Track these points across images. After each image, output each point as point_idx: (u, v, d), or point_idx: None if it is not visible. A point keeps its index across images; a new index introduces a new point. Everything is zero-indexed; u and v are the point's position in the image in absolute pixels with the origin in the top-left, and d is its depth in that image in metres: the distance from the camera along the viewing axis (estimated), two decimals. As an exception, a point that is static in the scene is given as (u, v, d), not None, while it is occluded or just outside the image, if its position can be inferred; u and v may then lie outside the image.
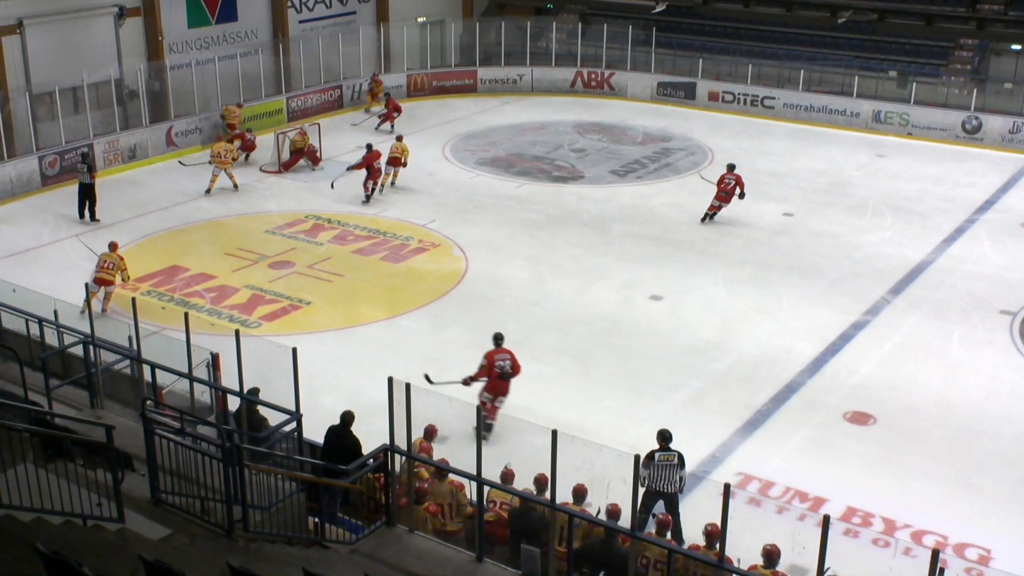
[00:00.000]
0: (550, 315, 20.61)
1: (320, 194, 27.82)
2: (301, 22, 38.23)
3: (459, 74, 39.58)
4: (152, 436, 10.39)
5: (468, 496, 12.23)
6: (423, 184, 28.75)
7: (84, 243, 22.59)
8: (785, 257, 23.56)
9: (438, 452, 13.15)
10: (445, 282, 22.20)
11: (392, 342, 19.47)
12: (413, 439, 11.63)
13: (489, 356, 16.05)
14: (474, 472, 10.87)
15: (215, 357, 13.91)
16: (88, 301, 16.93)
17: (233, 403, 13.64)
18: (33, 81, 29.33)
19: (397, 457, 11.44)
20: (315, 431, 13.11)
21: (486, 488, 11.15)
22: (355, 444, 13.19)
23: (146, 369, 13.60)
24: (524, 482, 11.79)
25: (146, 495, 10.56)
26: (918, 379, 18.18)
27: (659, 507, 13.19)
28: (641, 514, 12.11)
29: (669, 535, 11.79)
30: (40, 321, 14.68)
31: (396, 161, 28.15)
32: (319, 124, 31.55)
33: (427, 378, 15.20)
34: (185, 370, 13.49)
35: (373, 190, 27.12)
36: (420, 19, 40.23)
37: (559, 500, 10.62)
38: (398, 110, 33.96)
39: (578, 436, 11.25)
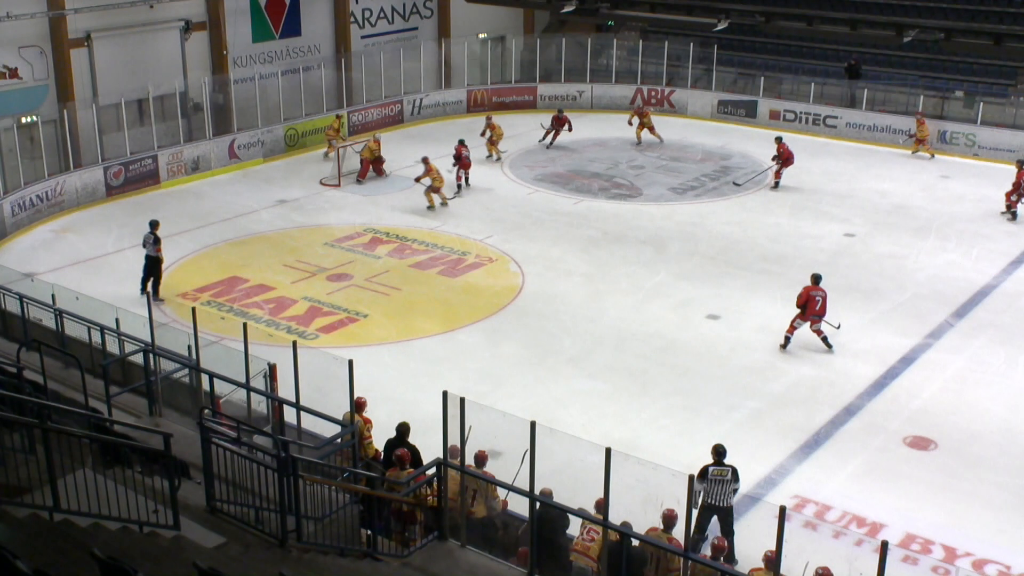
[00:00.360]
0: (606, 332, 20.51)
1: (379, 207, 28.00)
2: (363, 37, 38.59)
3: (519, 90, 39.68)
4: (209, 445, 10.48)
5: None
6: (481, 199, 28.82)
7: None
8: (846, 278, 23.24)
9: (490, 467, 13.14)
10: (501, 297, 22.20)
11: (447, 356, 19.49)
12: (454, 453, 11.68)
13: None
14: (527, 488, 10.83)
15: (272, 368, 14.02)
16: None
17: (289, 413, 13.73)
18: (100, 93, 29.90)
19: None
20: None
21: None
22: (414, 453, 13.28)
23: (204, 378, 13.75)
24: (575, 499, 11.67)
25: (201, 503, 10.64)
26: (981, 404, 17.83)
27: (714, 525, 13.06)
28: (695, 534, 11.99)
29: (722, 558, 11.66)
30: (102, 329, 14.89)
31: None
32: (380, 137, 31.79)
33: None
34: (242, 380, 13.62)
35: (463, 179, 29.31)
36: (481, 35, 40.40)
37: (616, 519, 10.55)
38: (565, 124, 34.17)
39: (632, 455, 11.17)
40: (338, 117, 33.13)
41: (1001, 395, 18.17)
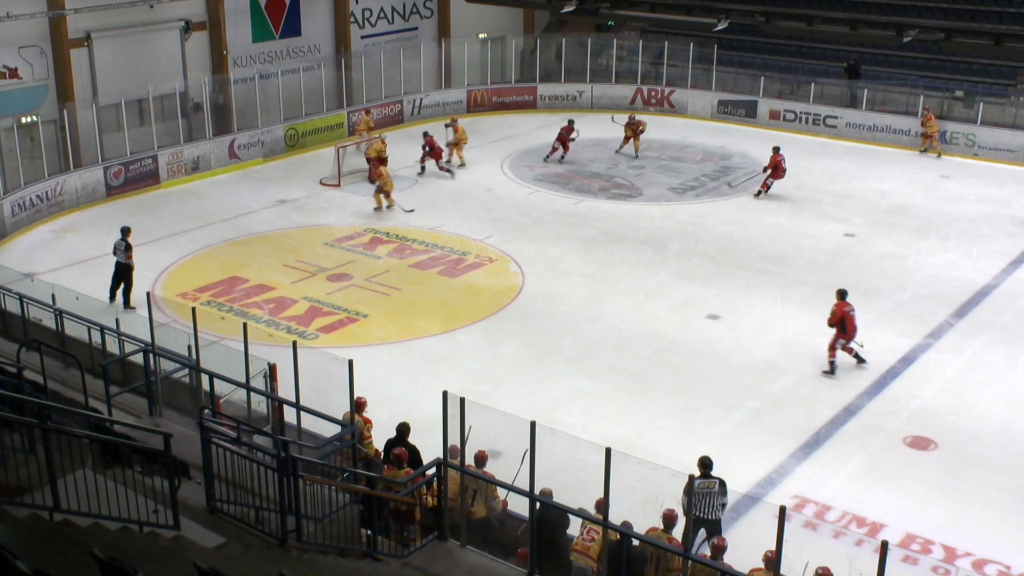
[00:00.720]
0: (606, 332, 20.51)
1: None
2: (363, 37, 38.60)
3: (519, 90, 39.68)
4: (209, 445, 10.48)
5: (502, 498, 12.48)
6: (481, 199, 28.83)
7: None
8: (846, 278, 23.17)
9: (490, 467, 13.14)
10: (501, 297, 22.20)
11: (448, 356, 19.49)
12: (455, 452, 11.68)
13: None
14: (527, 488, 10.83)
15: (272, 368, 14.03)
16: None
17: (289, 413, 13.74)
18: (100, 93, 29.90)
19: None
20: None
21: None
22: (414, 453, 13.28)
23: (204, 378, 13.75)
24: (575, 499, 11.66)
25: (201, 503, 10.64)
26: (981, 405, 17.82)
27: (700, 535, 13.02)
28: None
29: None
30: (102, 329, 14.90)
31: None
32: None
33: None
34: (242, 380, 13.63)
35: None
36: (481, 35, 40.40)
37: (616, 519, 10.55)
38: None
39: (632, 455, 11.16)
40: (367, 112, 33.25)
41: (1001, 395, 18.16)
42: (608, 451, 9.99)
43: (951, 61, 36.23)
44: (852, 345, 18.90)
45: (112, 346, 14.91)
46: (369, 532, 11.27)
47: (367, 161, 30.39)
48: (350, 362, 12.28)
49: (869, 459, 16.20)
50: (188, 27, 32.70)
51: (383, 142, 30.87)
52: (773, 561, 10.38)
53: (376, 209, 27.48)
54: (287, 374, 13.32)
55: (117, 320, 14.78)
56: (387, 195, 27.61)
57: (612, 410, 17.47)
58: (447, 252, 24.73)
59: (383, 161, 30.63)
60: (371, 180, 30.10)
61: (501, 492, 12.68)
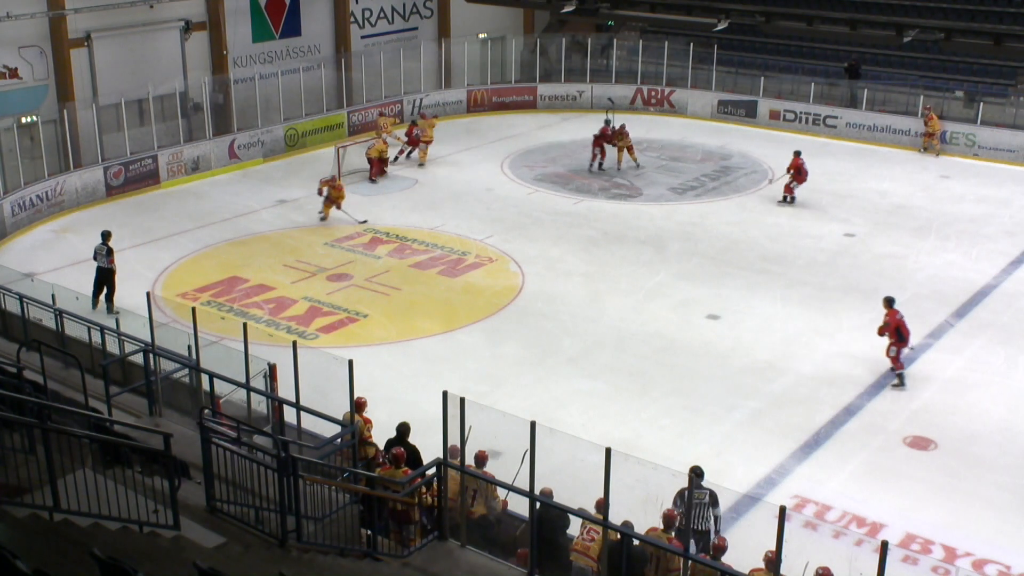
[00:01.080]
0: (606, 332, 20.51)
1: (379, 207, 28.00)
2: (363, 37, 38.60)
3: (519, 90, 39.68)
4: (209, 445, 10.47)
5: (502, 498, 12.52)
6: (481, 199, 28.83)
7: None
8: (846, 278, 23.25)
9: (490, 467, 13.14)
10: (501, 297, 22.20)
11: (448, 356, 19.49)
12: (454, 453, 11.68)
13: None
14: (527, 488, 10.83)
15: (272, 368, 14.03)
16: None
17: (289, 413, 13.74)
18: (100, 93, 29.90)
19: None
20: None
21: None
22: (414, 453, 13.29)
23: (204, 378, 13.75)
24: (575, 499, 11.67)
25: (201, 503, 10.63)
26: (981, 405, 17.82)
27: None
28: None
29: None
30: (102, 329, 14.91)
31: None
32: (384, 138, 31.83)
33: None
34: (242, 380, 13.63)
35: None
36: (481, 35, 40.39)
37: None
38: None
39: (632, 454, 11.16)
40: (382, 114, 33.52)
41: (1001, 395, 18.17)
42: (608, 451, 9.99)
43: (951, 61, 36.23)
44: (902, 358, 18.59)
45: (112, 346, 14.91)
46: (369, 532, 11.27)
47: (368, 161, 30.41)
48: (350, 362, 12.27)
49: (869, 459, 16.20)
50: (188, 27, 32.70)
51: (385, 143, 30.94)
52: (773, 561, 10.39)
53: (322, 218, 26.76)
54: (287, 374, 13.32)
55: (117, 320, 14.82)
56: (338, 206, 26.74)
57: (612, 410, 17.47)
58: (447, 252, 24.73)
59: (384, 162, 30.73)
60: (371, 179, 30.14)
61: (501, 492, 12.68)
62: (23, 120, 27.70)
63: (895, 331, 18.51)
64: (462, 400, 11.02)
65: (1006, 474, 15.74)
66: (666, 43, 38.55)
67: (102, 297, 20.79)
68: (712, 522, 12.97)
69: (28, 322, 15.95)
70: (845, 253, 24.88)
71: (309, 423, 13.61)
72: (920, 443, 16.57)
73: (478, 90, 39.09)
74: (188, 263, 24.04)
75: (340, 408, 13.18)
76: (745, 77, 38.06)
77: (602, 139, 31.50)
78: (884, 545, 8.91)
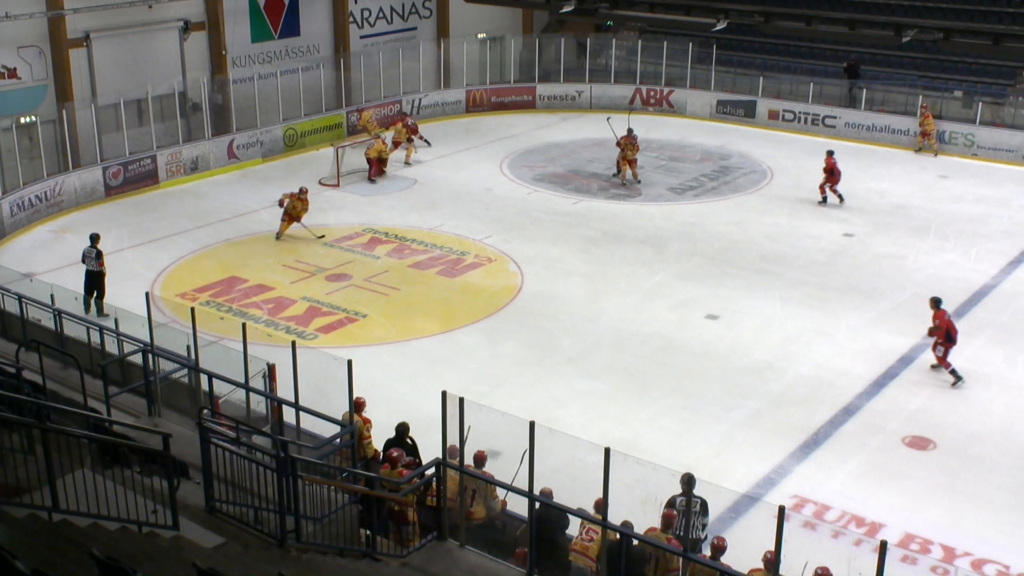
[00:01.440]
0: (605, 332, 20.51)
1: (378, 207, 28.01)
2: (362, 37, 38.59)
3: (518, 90, 39.67)
4: (208, 445, 10.47)
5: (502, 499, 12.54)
6: (480, 199, 28.83)
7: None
8: (845, 278, 23.25)
9: (489, 467, 13.14)
10: (500, 297, 22.20)
11: (447, 356, 19.49)
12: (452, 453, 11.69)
13: None
14: (526, 488, 10.83)
15: (271, 368, 14.03)
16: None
17: (288, 414, 13.73)
18: (99, 93, 29.88)
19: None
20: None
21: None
22: (413, 449, 13.30)
23: (203, 378, 13.74)
24: (574, 499, 11.67)
25: (200, 503, 10.63)
26: (980, 404, 17.83)
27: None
28: None
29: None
30: (101, 329, 14.90)
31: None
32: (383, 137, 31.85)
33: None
34: (241, 380, 13.62)
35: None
36: (480, 35, 40.39)
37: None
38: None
39: (631, 454, 11.16)
40: (360, 111, 33.39)
41: (1000, 395, 18.17)
42: (607, 451, 9.99)
43: (950, 61, 36.24)
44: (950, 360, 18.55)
45: (111, 346, 14.90)
46: (368, 532, 11.27)
47: (367, 161, 30.41)
48: (349, 362, 12.27)
49: (868, 459, 16.20)
50: (187, 27, 32.68)
51: (384, 143, 30.94)
52: (773, 562, 10.38)
53: (278, 237, 25.51)
54: (286, 374, 13.32)
55: (116, 320, 14.76)
56: (299, 220, 25.59)
57: (611, 410, 17.47)
58: (446, 252, 24.73)
59: (383, 162, 30.72)
60: (370, 179, 30.13)
61: (500, 492, 12.68)
62: (22, 120, 27.67)
63: (945, 332, 18.43)
64: (461, 400, 11.02)
65: (1005, 474, 15.74)
66: (665, 43, 38.54)
67: (92, 301, 20.71)
68: (702, 531, 12.93)
69: (27, 322, 15.93)
70: (844, 253, 24.89)
71: (308, 423, 13.61)
72: (919, 443, 16.57)
73: (477, 90, 39.08)
74: (187, 263, 24.04)
75: (339, 408, 13.17)
76: (744, 77, 38.07)
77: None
78: (883, 545, 8.91)
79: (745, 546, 12.04)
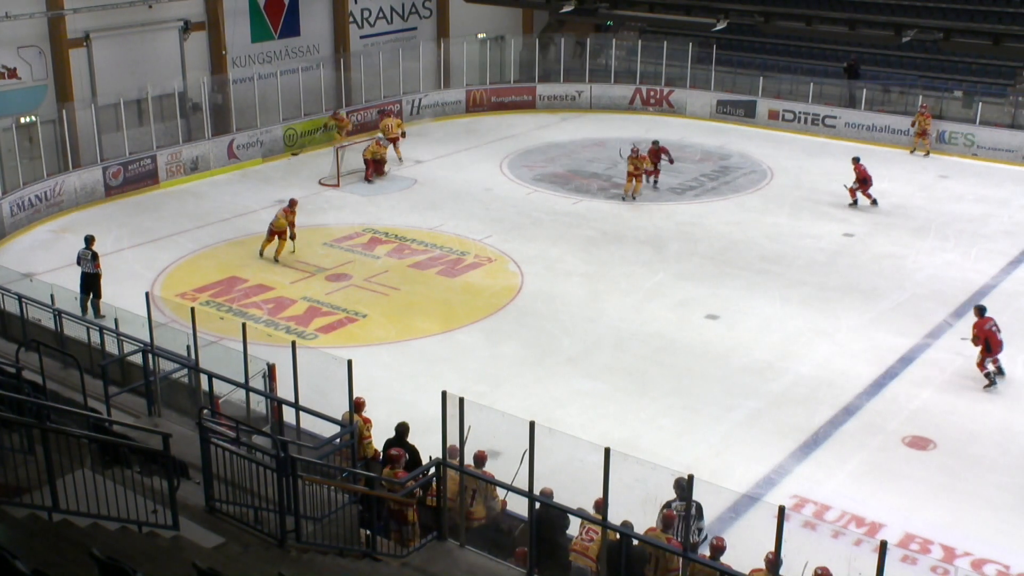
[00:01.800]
0: (605, 332, 20.51)
1: (378, 207, 28.01)
2: (362, 37, 38.58)
3: (518, 90, 39.66)
4: (208, 445, 10.47)
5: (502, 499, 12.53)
6: (480, 199, 28.83)
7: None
8: (845, 278, 23.25)
9: (489, 467, 13.13)
10: (500, 297, 22.19)
11: (447, 356, 19.49)
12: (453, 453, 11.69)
13: None
14: (526, 488, 10.83)
15: (271, 368, 14.02)
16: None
17: (288, 414, 13.73)
18: (99, 93, 29.88)
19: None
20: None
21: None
22: (413, 453, 13.29)
23: (203, 378, 13.73)
24: (574, 499, 11.67)
25: (200, 503, 10.63)
26: (980, 404, 17.83)
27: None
28: None
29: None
30: (101, 329, 14.89)
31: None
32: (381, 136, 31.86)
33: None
34: (241, 380, 13.62)
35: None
36: (480, 35, 40.39)
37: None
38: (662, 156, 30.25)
39: (631, 454, 11.16)
40: (335, 115, 33.27)
41: (1000, 395, 18.16)
42: (607, 451, 9.99)
43: (950, 61, 36.24)
44: (988, 365, 18.39)
45: (111, 346, 14.90)
46: (368, 532, 11.27)
47: (364, 162, 30.41)
48: (349, 362, 12.27)
49: (868, 459, 16.20)
50: (187, 27, 32.68)
51: (378, 143, 30.89)
52: (774, 563, 10.39)
53: (261, 254, 24.32)
54: (286, 374, 13.31)
55: (116, 320, 14.75)
56: (291, 237, 24.37)
57: (611, 410, 17.46)
58: (446, 252, 24.73)
59: (381, 163, 30.66)
60: (367, 179, 30.09)
61: (500, 492, 12.68)
62: (22, 120, 27.68)
63: (984, 342, 18.30)
64: (461, 400, 11.02)
65: (1006, 474, 15.74)
66: (665, 43, 38.54)
67: (88, 303, 20.67)
68: (699, 535, 12.91)
69: (27, 322, 15.93)
70: (844, 253, 24.89)
71: (308, 423, 13.60)
72: (919, 443, 16.57)
73: (477, 90, 39.07)
74: (187, 263, 24.04)
75: (339, 408, 13.17)
76: (744, 77, 38.06)
77: (656, 156, 29.96)
78: (883, 545, 8.92)
79: (745, 546, 12.05)
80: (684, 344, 20.04)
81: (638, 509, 11.75)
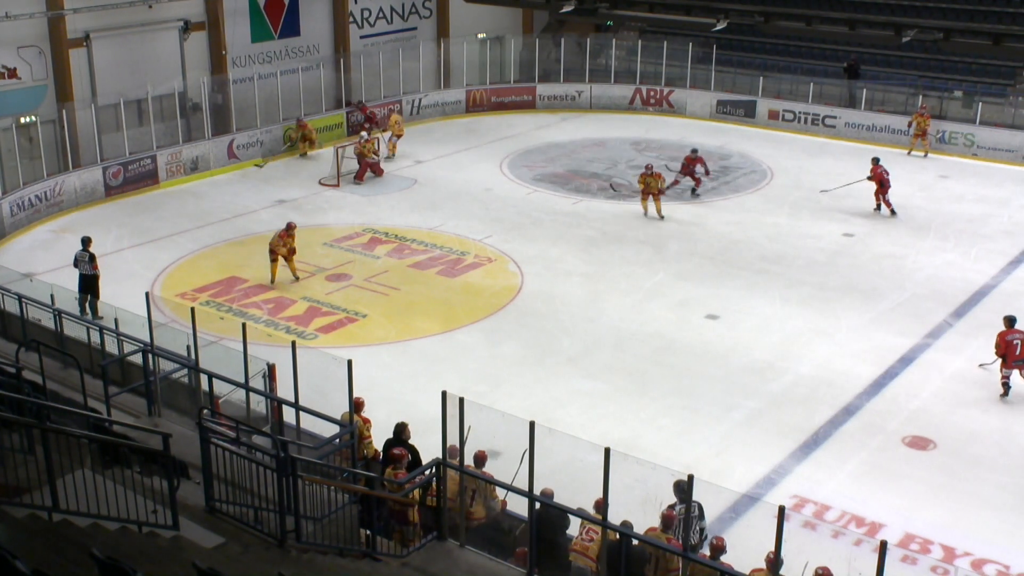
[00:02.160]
0: (605, 332, 20.51)
1: (378, 207, 28.00)
2: (362, 37, 38.58)
3: (518, 90, 39.67)
4: (208, 445, 10.47)
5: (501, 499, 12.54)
6: (480, 199, 28.83)
7: None
8: (845, 278, 23.25)
9: (489, 467, 13.13)
10: (500, 297, 22.19)
11: (447, 356, 19.49)
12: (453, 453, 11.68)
13: None
14: (526, 488, 10.83)
15: (271, 368, 14.02)
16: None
17: (288, 414, 13.73)
18: (99, 93, 29.88)
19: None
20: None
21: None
22: (413, 454, 13.30)
23: (203, 378, 13.73)
24: (574, 499, 11.67)
25: (200, 503, 10.63)
26: (980, 404, 17.83)
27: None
28: None
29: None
30: (101, 329, 14.89)
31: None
32: (380, 137, 31.85)
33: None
34: (241, 380, 13.61)
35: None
36: (480, 35, 40.39)
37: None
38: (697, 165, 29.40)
39: (631, 454, 11.16)
40: (299, 122, 32.82)
41: (999, 395, 18.14)
42: (607, 451, 9.99)
43: (950, 61, 36.24)
44: (993, 367, 18.35)
45: (111, 346, 14.89)
46: (368, 532, 11.27)
47: (357, 161, 30.35)
48: (349, 362, 12.26)
49: (868, 459, 16.20)
50: (187, 27, 32.68)
51: (369, 141, 30.82)
52: (774, 563, 10.39)
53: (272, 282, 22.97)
54: (286, 374, 13.30)
55: (116, 320, 14.75)
56: (287, 258, 23.04)
57: (611, 410, 17.46)
58: (446, 252, 24.73)
59: (376, 164, 30.55)
60: (358, 179, 30.01)
61: (500, 492, 12.68)
62: (22, 120, 27.70)
63: (1003, 352, 18.11)
64: (461, 400, 11.01)
65: (1006, 474, 15.74)
66: (665, 43, 38.54)
67: (87, 304, 20.64)
68: (700, 535, 12.90)
69: (27, 322, 15.93)
70: (844, 253, 24.88)
71: (308, 423, 13.60)
72: (919, 443, 16.57)
73: (477, 90, 39.07)
74: (187, 263, 24.04)
75: (339, 408, 13.17)
76: (744, 77, 38.05)
77: (691, 165, 29.24)
78: (883, 545, 8.91)
79: (745, 546, 12.04)
80: (684, 344, 20.04)
81: (638, 509, 11.74)
